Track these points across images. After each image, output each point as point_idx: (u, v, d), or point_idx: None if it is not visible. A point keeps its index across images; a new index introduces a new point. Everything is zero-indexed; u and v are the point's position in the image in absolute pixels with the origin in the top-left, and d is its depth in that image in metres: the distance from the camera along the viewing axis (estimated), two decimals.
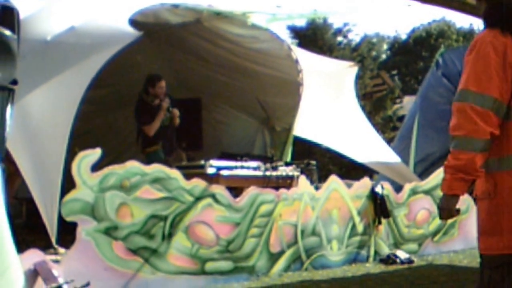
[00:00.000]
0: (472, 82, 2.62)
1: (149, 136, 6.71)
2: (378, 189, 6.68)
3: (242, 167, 6.44)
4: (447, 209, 2.66)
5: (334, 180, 6.44)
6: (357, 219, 6.51)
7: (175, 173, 5.34)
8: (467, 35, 29.87)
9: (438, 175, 7.14)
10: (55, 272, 4.38)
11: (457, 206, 2.67)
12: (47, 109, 5.22)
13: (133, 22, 6.12)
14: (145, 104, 6.77)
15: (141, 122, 6.76)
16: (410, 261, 6.51)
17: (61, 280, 4.30)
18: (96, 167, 4.91)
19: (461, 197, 2.70)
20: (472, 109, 2.59)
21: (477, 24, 28.75)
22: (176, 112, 6.86)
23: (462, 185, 2.63)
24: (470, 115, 2.59)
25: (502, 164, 2.67)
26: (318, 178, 7.11)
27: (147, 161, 6.19)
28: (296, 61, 7.29)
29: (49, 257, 4.64)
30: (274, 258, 5.86)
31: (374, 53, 25.97)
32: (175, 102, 6.91)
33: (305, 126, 7.50)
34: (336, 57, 11.73)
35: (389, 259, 6.51)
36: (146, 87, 6.79)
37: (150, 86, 6.76)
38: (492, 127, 2.59)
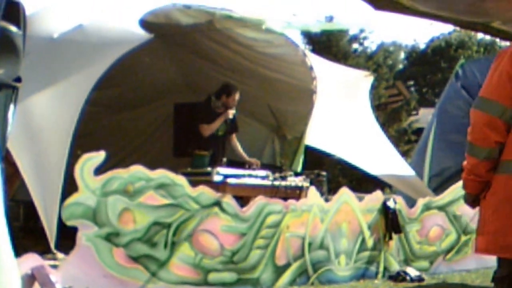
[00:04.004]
0: (485, 90, 2.75)
1: (204, 136, 6.69)
2: (390, 203, 6.48)
3: (250, 175, 6.29)
4: (468, 204, 2.93)
5: (345, 192, 6.26)
6: (367, 233, 6.32)
7: (180, 180, 5.19)
8: (488, 46, 29.38)
9: (453, 190, 6.94)
10: (53, 277, 4.29)
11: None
12: (50, 109, 5.09)
13: (144, 23, 5.98)
14: (210, 107, 6.81)
15: (201, 120, 6.76)
16: (420, 279, 6.30)
17: (58, 286, 4.21)
18: (99, 170, 4.78)
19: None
20: (482, 117, 2.71)
21: None
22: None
23: (474, 186, 2.83)
24: (479, 122, 2.72)
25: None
26: (328, 190, 6.94)
27: (192, 162, 6.43)
28: (311, 68, 7.11)
29: (47, 262, 4.52)
30: (279, 271, 5.68)
31: (390, 62, 25.75)
32: (184, 106, 6.79)
33: (316, 135, 7.33)
34: (351, 65, 11.54)
35: (399, 276, 6.30)
36: (220, 93, 6.81)
37: (225, 94, 6.80)
38: (498, 136, 2.69)
